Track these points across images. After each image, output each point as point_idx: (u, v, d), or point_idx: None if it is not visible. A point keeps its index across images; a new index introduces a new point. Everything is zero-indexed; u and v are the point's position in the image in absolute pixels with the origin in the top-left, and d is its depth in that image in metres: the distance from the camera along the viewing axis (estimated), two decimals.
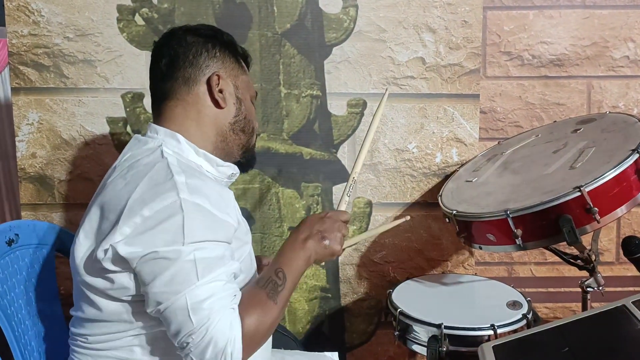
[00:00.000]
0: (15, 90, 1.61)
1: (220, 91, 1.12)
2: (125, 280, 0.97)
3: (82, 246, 1.01)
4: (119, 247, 0.93)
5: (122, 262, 0.94)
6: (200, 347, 0.89)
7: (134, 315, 0.99)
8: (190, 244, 0.92)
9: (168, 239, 0.92)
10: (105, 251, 0.95)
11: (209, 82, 1.12)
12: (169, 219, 0.92)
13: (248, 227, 1.19)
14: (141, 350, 1.01)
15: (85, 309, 1.03)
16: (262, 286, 1.00)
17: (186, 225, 0.92)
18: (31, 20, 1.58)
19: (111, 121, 1.64)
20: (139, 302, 0.98)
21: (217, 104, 1.12)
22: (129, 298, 0.98)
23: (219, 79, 1.12)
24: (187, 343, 0.90)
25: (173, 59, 1.12)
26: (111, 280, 0.97)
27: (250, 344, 0.92)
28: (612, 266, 1.86)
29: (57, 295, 1.28)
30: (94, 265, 0.98)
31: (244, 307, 0.94)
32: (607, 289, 1.36)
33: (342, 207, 1.19)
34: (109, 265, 0.95)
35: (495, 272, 1.87)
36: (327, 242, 1.09)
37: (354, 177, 1.22)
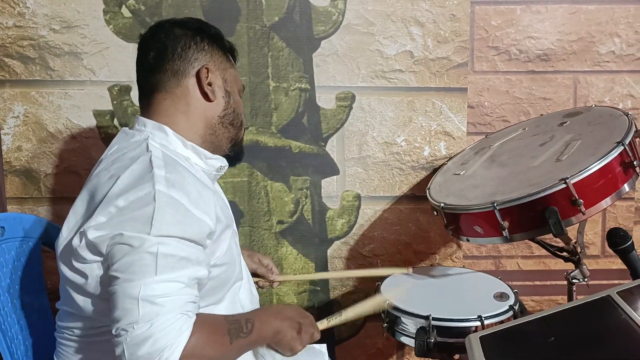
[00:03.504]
0: (0, 83, 1.59)
1: (210, 84, 1.12)
2: (96, 272, 0.95)
3: (64, 239, 1.01)
4: (89, 232, 0.92)
5: (92, 248, 0.93)
6: (136, 340, 0.85)
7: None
8: (157, 236, 0.90)
9: (136, 226, 0.90)
10: (81, 238, 0.94)
11: (198, 75, 1.11)
12: (140, 208, 0.92)
13: (232, 221, 1.18)
14: None
15: (70, 303, 1.03)
16: (229, 321, 0.98)
17: (155, 217, 0.90)
18: (16, 12, 1.57)
19: (98, 114, 1.62)
20: None
21: (206, 97, 1.12)
22: (106, 295, 0.95)
23: (208, 72, 1.12)
24: (126, 331, 0.86)
25: (161, 51, 1.11)
26: (85, 275, 0.96)
27: None
28: (598, 259, 1.87)
29: (44, 289, 1.27)
30: (70, 255, 0.97)
31: (200, 325, 0.91)
32: (592, 282, 1.37)
33: (320, 327, 1.21)
34: (84, 252, 0.94)
35: (483, 265, 1.88)
36: (296, 335, 1.09)
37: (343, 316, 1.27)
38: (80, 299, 0.99)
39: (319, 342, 1.38)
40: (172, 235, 0.92)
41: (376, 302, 1.35)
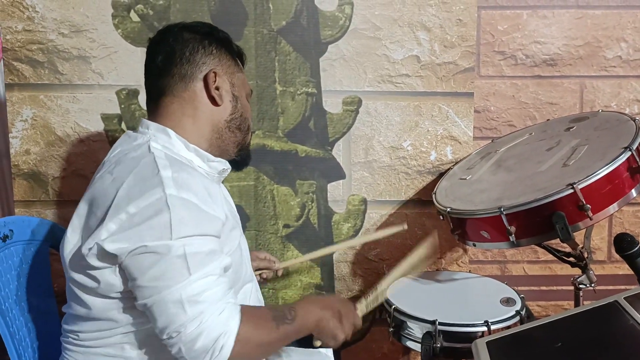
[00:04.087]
0: (9, 87, 1.60)
1: (217, 88, 1.12)
2: (110, 277, 0.96)
3: (69, 243, 1.01)
4: (105, 244, 0.92)
5: (107, 258, 0.94)
6: (191, 336, 0.89)
7: (123, 312, 0.99)
8: (179, 239, 0.91)
9: (156, 234, 0.91)
10: (90, 248, 0.94)
11: (205, 79, 1.11)
12: (155, 216, 0.92)
13: (238, 221, 1.18)
14: (131, 347, 1.01)
15: (75, 306, 1.03)
16: (271, 310, 1.01)
17: (173, 221, 0.92)
18: (25, 16, 1.58)
19: (106, 118, 1.63)
20: (127, 299, 0.98)
21: (213, 101, 1.12)
22: (117, 295, 0.98)
23: (215, 76, 1.12)
24: (178, 332, 0.89)
25: (169, 55, 1.11)
26: (96, 280, 0.97)
27: (241, 349, 0.91)
28: (604, 265, 1.87)
29: (52, 291, 1.28)
30: (80, 262, 0.98)
31: (246, 312, 0.94)
32: (598, 288, 1.37)
33: (361, 315, 1.19)
34: (94, 262, 0.95)
35: (489, 270, 1.87)
36: (338, 324, 1.09)
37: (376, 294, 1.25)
38: (89, 299, 1.00)
39: (325, 347, 1.38)
40: (192, 234, 0.93)
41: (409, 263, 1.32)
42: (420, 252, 1.34)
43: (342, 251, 1.74)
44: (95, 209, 0.98)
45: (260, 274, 1.44)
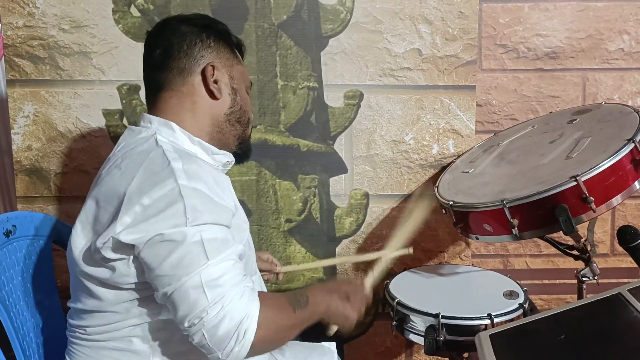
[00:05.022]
0: (10, 83, 1.60)
1: (215, 82, 1.12)
2: (123, 268, 0.96)
3: (79, 238, 1.01)
4: (121, 236, 0.92)
5: (123, 249, 0.94)
6: (214, 321, 0.89)
7: (133, 303, 0.99)
8: (194, 226, 0.92)
9: (171, 223, 0.92)
10: (105, 242, 0.94)
11: (203, 73, 1.11)
12: (170, 206, 0.92)
13: (245, 214, 1.19)
14: (140, 341, 1.01)
15: (84, 300, 1.03)
16: (285, 295, 1.02)
17: (188, 209, 0.92)
18: (26, 12, 1.57)
19: (107, 113, 1.63)
20: (138, 290, 0.98)
21: (212, 94, 1.12)
22: (130, 286, 0.98)
23: (213, 70, 1.11)
24: (200, 318, 0.89)
25: (167, 49, 1.11)
26: (112, 269, 0.97)
27: (263, 332, 0.92)
28: (607, 258, 1.87)
29: (55, 287, 1.28)
30: (93, 255, 0.98)
31: (264, 296, 0.95)
32: (601, 281, 1.37)
33: (369, 287, 1.21)
34: (109, 254, 0.95)
35: (491, 264, 1.87)
36: (347, 304, 1.10)
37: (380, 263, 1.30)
38: (101, 291, 1.00)
39: (329, 340, 1.38)
40: (207, 222, 0.94)
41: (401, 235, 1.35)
42: (416, 215, 1.38)
43: (344, 246, 1.74)
44: (104, 204, 0.98)
45: (262, 276, 1.44)
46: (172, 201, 0.92)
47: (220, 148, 1.14)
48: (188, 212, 0.92)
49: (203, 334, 0.89)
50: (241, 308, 0.90)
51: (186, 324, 0.91)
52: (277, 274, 1.47)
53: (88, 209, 1.01)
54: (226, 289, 0.91)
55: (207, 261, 0.91)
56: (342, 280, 1.18)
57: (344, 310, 1.09)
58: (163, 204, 0.92)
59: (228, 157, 1.16)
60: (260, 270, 1.44)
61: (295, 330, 1.02)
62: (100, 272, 0.98)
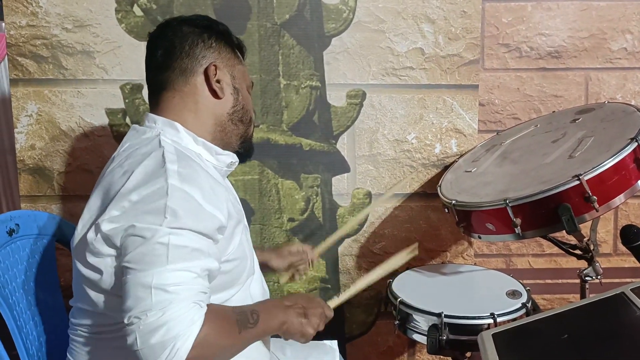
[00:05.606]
0: (13, 82, 1.60)
1: (218, 81, 1.12)
2: (110, 266, 0.96)
3: (78, 234, 1.01)
4: (103, 224, 0.93)
5: (108, 241, 0.94)
6: (150, 327, 0.85)
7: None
8: (169, 228, 0.90)
9: (148, 218, 0.91)
10: (96, 232, 0.95)
11: (206, 73, 1.11)
12: (153, 202, 0.92)
13: (243, 216, 1.18)
14: None
15: (84, 300, 1.03)
16: (236, 312, 0.98)
17: (168, 209, 0.91)
18: (29, 11, 1.58)
19: (110, 112, 1.63)
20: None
21: (214, 94, 1.12)
22: (119, 291, 0.95)
23: (216, 69, 1.12)
24: (139, 319, 0.85)
25: (169, 49, 1.11)
26: (99, 271, 0.97)
27: (198, 352, 0.86)
28: (610, 258, 1.87)
29: (58, 286, 1.28)
30: (85, 249, 0.98)
31: (211, 315, 0.90)
32: (604, 281, 1.37)
33: (332, 305, 1.20)
34: (100, 246, 0.95)
35: (494, 264, 1.87)
36: (304, 320, 1.08)
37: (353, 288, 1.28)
38: (93, 295, 1.00)
39: (331, 338, 1.38)
40: (185, 227, 0.92)
41: (382, 268, 1.35)
42: (398, 259, 1.37)
43: (346, 244, 1.74)
44: (105, 202, 0.99)
45: (297, 270, 1.44)
46: (157, 198, 0.92)
47: (223, 147, 1.15)
48: (168, 212, 0.91)
49: (136, 338, 0.85)
50: (183, 323, 0.85)
51: (126, 320, 0.87)
52: (311, 260, 1.46)
53: (91, 207, 1.02)
54: (174, 298, 0.86)
55: (166, 265, 0.88)
56: (301, 296, 1.15)
57: (300, 327, 1.07)
58: (148, 199, 0.92)
59: (232, 158, 1.16)
60: (293, 265, 1.43)
61: (235, 350, 0.97)
62: (91, 274, 0.98)
